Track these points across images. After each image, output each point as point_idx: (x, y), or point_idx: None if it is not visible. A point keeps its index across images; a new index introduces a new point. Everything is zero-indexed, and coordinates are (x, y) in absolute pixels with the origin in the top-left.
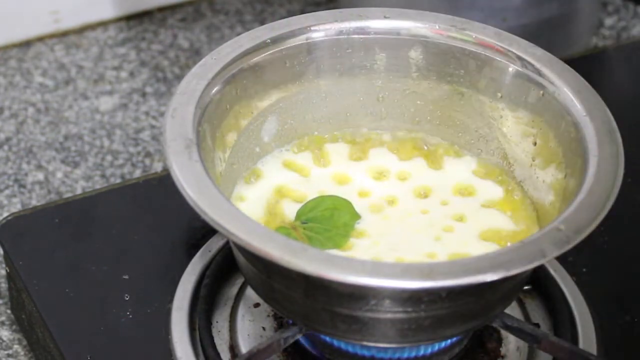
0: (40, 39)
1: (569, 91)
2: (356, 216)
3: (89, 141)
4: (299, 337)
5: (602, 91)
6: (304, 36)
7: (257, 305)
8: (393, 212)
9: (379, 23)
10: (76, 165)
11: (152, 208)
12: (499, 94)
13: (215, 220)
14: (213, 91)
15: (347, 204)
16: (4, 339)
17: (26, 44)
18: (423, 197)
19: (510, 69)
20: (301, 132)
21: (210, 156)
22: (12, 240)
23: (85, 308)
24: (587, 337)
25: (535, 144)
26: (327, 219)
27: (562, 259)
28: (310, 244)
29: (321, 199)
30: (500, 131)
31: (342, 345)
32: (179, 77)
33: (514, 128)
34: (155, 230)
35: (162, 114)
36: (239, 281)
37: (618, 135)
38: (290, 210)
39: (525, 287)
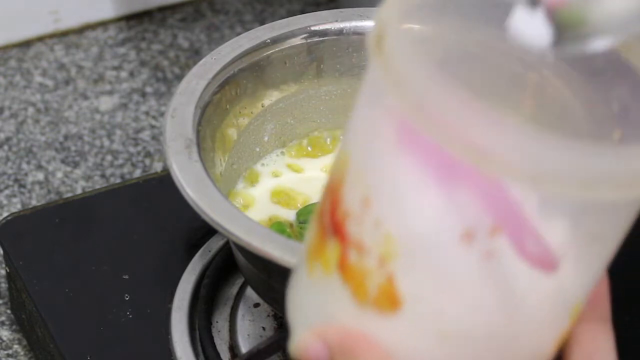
0: (40, 39)
1: None
2: None
3: (89, 141)
4: None
5: None
6: (304, 36)
7: (257, 305)
8: None
9: None
10: (76, 165)
11: (152, 208)
12: None
13: (215, 220)
14: (213, 91)
15: None
16: (4, 339)
17: (26, 44)
18: None
19: None
20: (301, 132)
21: (210, 156)
22: (12, 240)
23: (85, 308)
24: None
25: None
26: None
27: None
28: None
29: None
30: None
31: None
32: (179, 77)
33: None
34: (155, 230)
35: (162, 114)
36: (239, 281)
37: None
38: (289, 210)
39: None
